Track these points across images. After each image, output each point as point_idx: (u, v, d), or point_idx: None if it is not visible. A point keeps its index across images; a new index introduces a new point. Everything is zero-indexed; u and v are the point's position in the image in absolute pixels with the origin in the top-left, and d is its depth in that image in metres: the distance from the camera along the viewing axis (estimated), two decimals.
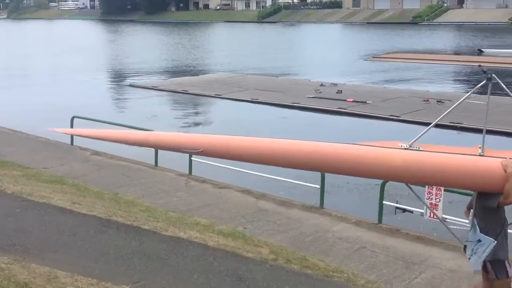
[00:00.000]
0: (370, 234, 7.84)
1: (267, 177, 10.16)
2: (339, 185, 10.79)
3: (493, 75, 4.67)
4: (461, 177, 4.55)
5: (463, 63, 33.74)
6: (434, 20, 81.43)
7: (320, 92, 21.96)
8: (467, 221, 7.79)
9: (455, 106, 5.05)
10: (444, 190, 7.39)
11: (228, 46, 52.25)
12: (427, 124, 16.44)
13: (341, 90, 22.03)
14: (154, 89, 24.61)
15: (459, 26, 72.93)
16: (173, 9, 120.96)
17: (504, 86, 4.75)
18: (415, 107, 18.61)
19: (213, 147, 5.34)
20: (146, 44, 53.59)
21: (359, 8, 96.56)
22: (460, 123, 16.02)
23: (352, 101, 19.86)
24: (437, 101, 19.48)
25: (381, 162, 4.66)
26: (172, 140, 5.69)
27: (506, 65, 31.50)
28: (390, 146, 4.79)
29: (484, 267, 4.75)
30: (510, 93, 4.86)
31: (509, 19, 73.36)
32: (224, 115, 19.73)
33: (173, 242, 6.80)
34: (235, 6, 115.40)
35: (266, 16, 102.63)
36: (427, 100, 19.69)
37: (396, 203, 8.55)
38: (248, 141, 5.28)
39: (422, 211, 7.79)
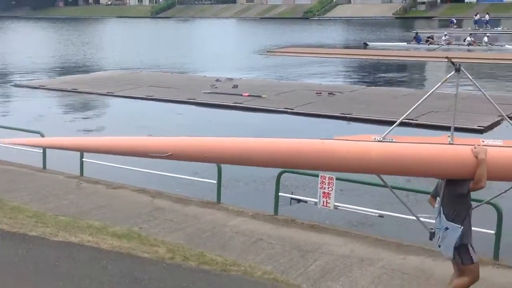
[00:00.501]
0: (267, 226, 7.93)
1: (164, 175, 10.00)
2: (236, 179, 10.83)
3: (461, 67, 4.80)
4: (436, 165, 4.72)
5: (352, 57, 35.17)
6: (325, 15, 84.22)
7: (216, 87, 21.95)
8: (356, 207, 8.21)
9: (424, 99, 5.04)
10: (336, 179, 7.63)
11: (120, 43, 50.88)
12: (318, 115, 17.22)
13: (237, 85, 22.14)
14: (42, 88, 23.41)
15: (348, 21, 75.90)
16: (61, 4, 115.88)
17: (471, 77, 4.96)
18: (308, 100, 19.11)
19: (184, 150, 5.02)
20: (32, 41, 50.91)
21: (253, 3, 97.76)
22: (350, 114, 16.70)
23: (248, 95, 20.03)
24: (328, 93, 20.14)
25: (358, 156, 4.75)
26: (136, 144, 5.21)
27: (389, 58, 33.26)
28: (364, 140, 4.89)
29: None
30: (477, 84, 5.05)
31: (393, 14, 77.44)
32: (117, 113, 19.18)
33: (63, 247, 6.50)
34: (127, 1, 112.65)
35: (160, 12, 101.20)
36: (320, 93, 20.29)
37: (292, 194, 8.73)
38: (223, 141, 5.04)
39: (316, 200, 7.99)
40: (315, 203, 8.07)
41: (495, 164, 4.62)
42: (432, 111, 16.20)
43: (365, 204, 8.72)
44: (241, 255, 6.87)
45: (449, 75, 4.88)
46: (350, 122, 16.38)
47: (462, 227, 4.86)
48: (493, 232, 6.53)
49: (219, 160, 5.45)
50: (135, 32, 66.60)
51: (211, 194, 9.26)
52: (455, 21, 53.21)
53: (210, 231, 7.73)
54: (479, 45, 36.72)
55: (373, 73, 29.18)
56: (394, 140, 4.88)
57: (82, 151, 5.79)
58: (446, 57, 5.31)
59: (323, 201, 7.79)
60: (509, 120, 5.18)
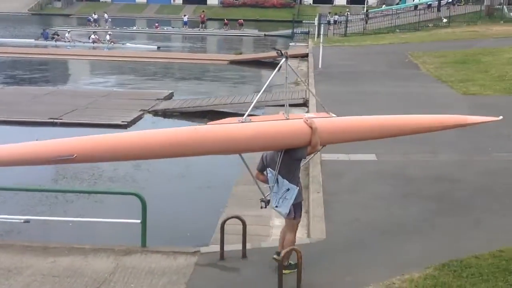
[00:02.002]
0: None
1: None
2: None
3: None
4: (285, 138, 5.59)
5: None
6: None
7: None
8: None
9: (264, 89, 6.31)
10: None
11: None
12: None
13: None
14: None
15: None
16: None
17: (293, 68, 6.08)
18: None
19: (90, 149, 4.72)
20: None
21: None
22: None
23: None
24: None
25: (228, 138, 5.31)
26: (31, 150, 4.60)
27: (21, 55, 31.14)
28: (230, 122, 5.51)
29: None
30: (298, 74, 6.02)
31: (28, 10, 74.03)
32: None
33: None
34: None
35: None
36: None
37: None
38: (94, 139, 4.81)
39: None
40: None
41: (323, 130, 5.73)
42: (77, 109, 16.14)
43: (10, 211, 8.17)
44: None
45: (281, 62, 5.88)
46: None
47: (298, 187, 5.79)
48: (139, 221, 6.83)
49: (95, 158, 5.03)
50: None
51: None
52: (92, 19, 53.80)
53: None
54: (103, 43, 37.52)
55: (5, 71, 27.14)
56: (252, 121, 5.58)
57: None
58: (274, 48, 6.10)
59: None
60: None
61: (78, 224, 8.27)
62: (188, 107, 16.82)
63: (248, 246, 6.55)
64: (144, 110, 16.50)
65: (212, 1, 77.08)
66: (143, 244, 6.88)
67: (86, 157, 4.75)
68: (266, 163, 5.95)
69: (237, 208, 8.37)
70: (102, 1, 77.79)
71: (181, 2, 78.61)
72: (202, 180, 10.98)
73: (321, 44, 23.55)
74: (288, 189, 5.78)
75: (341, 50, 28.72)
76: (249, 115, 5.57)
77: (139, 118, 15.81)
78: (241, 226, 6.45)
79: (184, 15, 55.47)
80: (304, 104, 16.05)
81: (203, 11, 54.14)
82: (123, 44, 37.43)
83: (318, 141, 5.69)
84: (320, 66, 21.93)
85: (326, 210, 7.80)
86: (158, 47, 36.94)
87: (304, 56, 27.83)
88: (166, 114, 16.56)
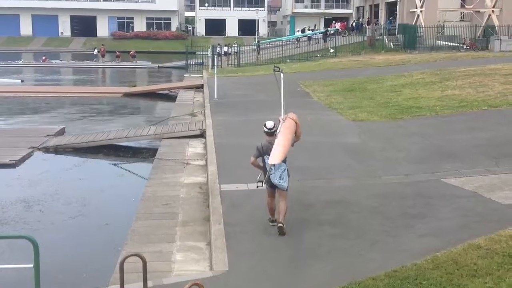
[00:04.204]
0: None
1: None
2: None
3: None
4: (293, 132, 8.17)
5: None
6: None
7: None
8: None
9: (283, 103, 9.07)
10: None
11: None
12: None
13: None
14: None
15: None
16: None
17: (281, 84, 9.12)
18: None
19: None
20: None
21: None
22: None
23: None
24: None
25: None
26: None
27: None
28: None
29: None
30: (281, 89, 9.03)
31: None
32: None
33: None
34: None
35: None
36: None
37: None
38: None
39: None
40: None
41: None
42: None
43: None
44: None
45: (282, 76, 9.07)
46: None
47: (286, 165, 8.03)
48: (31, 265, 6.45)
49: None
50: None
51: None
52: None
53: None
54: None
55: None
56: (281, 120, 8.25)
57: None
58: (274, 66, 9.22)
59: None
60: None
61: None
62: (81, 142, 16.26)
63: (149, 284, 6.38)
64: (33, 147, 15.72)
65: (103, 33, 75.80)
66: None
67: None
68: (263, 151, 8.03)
69: (137, 245, 8.17)
70: None
71: (70, 34, 76.61)
72: (100, 218, 10.60)
73: (215, 75, 23.82)
74: (284, 169, 7.94)
75: (235, 80, 29.22)
76: None
77: (28, 155, 15.03)
78: (141, 264, 6.28)
79: (94, 48, 53.19)
80: (201, 135, 16.08)
81: (102, 45, 52.89)
82: None
83: (301, 132, 8.34)
84: (215, 97, 22.14)
85: (227, 241, 7.81)
86: (22, 81, 35.73)
87: (199, 87, 28.01)
88: (58, 150, 15.89)
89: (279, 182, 7.92)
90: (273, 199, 8.27)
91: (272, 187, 8.09)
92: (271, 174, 7.87)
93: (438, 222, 8.33)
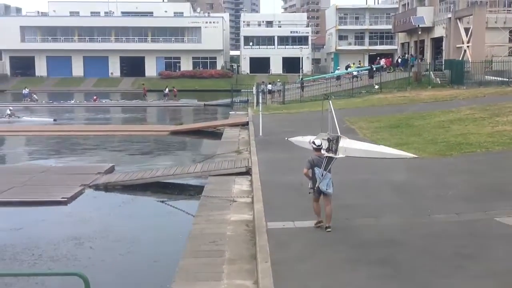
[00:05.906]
0: None
1: None
2: None
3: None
4: None
5: None
6: None
7: None
8: None
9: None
10: None
11: None
12: None
13: None
14: None
15: None
16: None
17: (332, 107, 10.36)
18: None
19: None
20: None
21: None
22: None
23: None
24: None
25: None
26: None
27: None
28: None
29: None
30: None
31: None
32: None
33: None
34: None
35: None
36: None
37: None
38: None
39: None
40: None
41: None
42: (14, 187, 15.58)
43: None
44: None
45: (330, 101, 10.62)
46: None
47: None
48: None
49: None
50: None
51: None
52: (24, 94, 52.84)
53: None
54: (4, 117, 36.39)
55: None
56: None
57: None
58: (324, 94, 11.12)
59: None
60: None
61: None
62: (130, 179, 16.57)
63: None
64: (84, 184, 16.11)
65: (150, 72, 77.90)
66: None
67: None
68: (314, 164, 9.54)
69: (185, 283, 8.19)
70: (38, 76, 77.06)
71: (119, 74, 79.02)
72: (148, 255, 10.71)
73: (260, 112, 24.03)
74: (330, 178, 9.58)
75: (280, 117, 29.39)
76: None
77: (79, 193, 15.40)
78: None
79: (166, 87, 54.29)
80: (247, 172, 16.15)
81: (143, 84, 54.33)
82: (19, 118, 36.80)
83: None
84: (260, 134, 22.29)
85: (275, 279, 7.74)
86: (55, 119, 36.72)
87: (245, 124, 28.27)
88: (108, 188, 16.24)
89: (326, 189, 9.57)
90: (318, 204, 9.85)
91: (319, 193, 9.68)
92: (321, 182, 9.53)
93: (492, 263, 8.06)
